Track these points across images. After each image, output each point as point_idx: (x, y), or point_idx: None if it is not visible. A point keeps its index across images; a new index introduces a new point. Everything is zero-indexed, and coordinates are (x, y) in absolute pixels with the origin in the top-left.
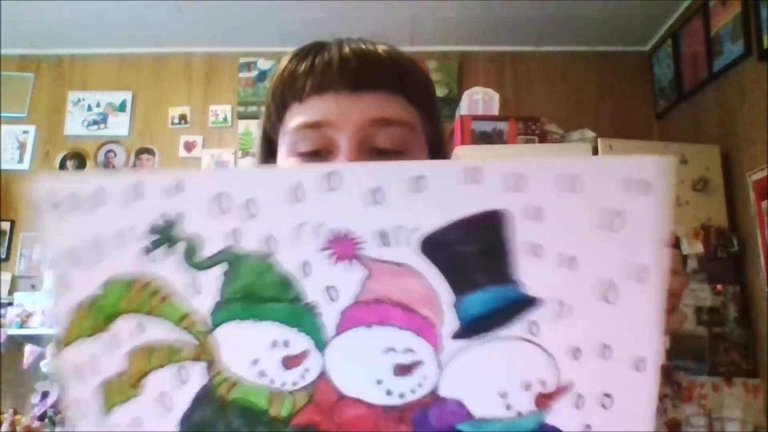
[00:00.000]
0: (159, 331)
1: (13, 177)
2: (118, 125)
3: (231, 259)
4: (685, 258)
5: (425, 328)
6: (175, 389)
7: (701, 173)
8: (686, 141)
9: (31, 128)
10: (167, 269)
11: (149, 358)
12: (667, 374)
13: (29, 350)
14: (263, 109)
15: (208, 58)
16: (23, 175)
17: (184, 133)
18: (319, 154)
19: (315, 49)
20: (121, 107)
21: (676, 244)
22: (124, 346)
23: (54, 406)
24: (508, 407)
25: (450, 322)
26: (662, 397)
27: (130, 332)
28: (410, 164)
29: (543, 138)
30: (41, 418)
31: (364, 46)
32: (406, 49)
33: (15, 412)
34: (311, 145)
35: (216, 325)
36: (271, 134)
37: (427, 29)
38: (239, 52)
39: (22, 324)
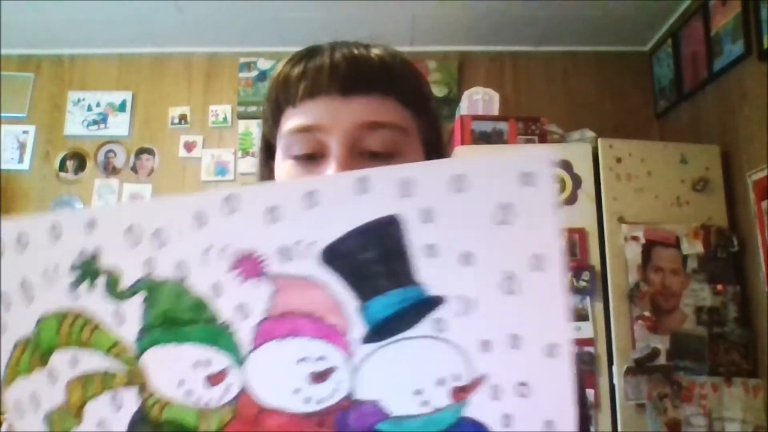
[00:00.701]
0: (92, 361)
1: (13, 177)
2: (118, 125)
3: (148, 287)
4: (685, 258)
5: (335, 336)
6: (113, 415)
7: (701, 173)
8: (686, 141)
9: (31, 128)
10: (92, 302)
11: (85, 388)
12: (667, 374)
13: None
14: (254, 109)
15: (208, 58)
16: (23, 175)
17: (184, 133)
18: (313, 157)
19: (308, 53)
20: (121, 107)
21: (676, 244)
22: (62, 379)
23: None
24: (425, 403)
25: (358, 328)
26: (662, 397)
27: (66, 365)
28: (301, 182)
29: (543, 138)
30: None
31: (356, 51)
32: (406, 49)
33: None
34: (304, 148)
35: (142, 351)
36: (269, 138)
37: (427, 29)
38: (239, 52)
39: None
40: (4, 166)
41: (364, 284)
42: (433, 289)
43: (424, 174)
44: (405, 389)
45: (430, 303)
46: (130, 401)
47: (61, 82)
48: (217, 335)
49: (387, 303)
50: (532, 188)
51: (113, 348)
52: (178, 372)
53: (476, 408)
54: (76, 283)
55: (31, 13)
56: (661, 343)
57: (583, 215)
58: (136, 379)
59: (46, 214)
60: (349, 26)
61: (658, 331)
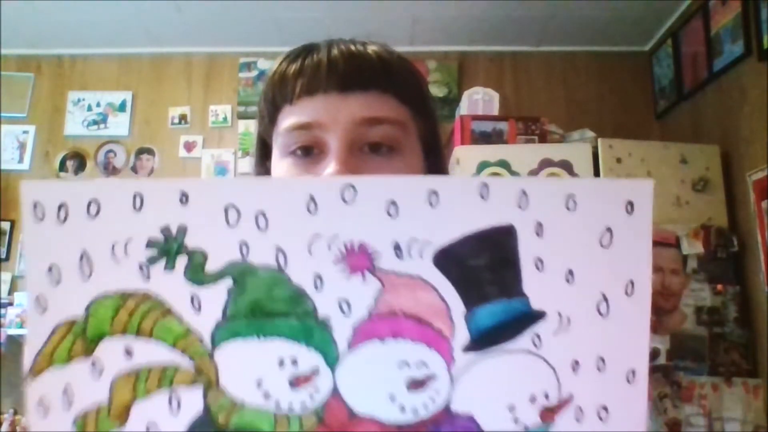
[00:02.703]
0: (151, 354)
1: (13, 177)
2: (118, 125)
3: (237, 273)
4: (685, 258)
5: (438, 341)
6: (167, 417)
7: (701, 173)
8: (686, 141)
9: (31, 128)
10: (164, 286)
11: (136, 384)
12: (667, 374)
13: None
14: (254, 109)
15: (208, 58)
16: (23, 175)
17: (184, 133)
18: (311, 153)
19: (305, 51)
20: (121, 107)
21: (676, 244)
22: (108, 373)
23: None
24: (516, 421)
25: (461, 335)
26: (662, 397)
27: (117, 356)
28: (424, 179)
29: (543, 138)
30: None
31: (353, 47)
32: (406, 49)
33: (15, 412)
34: (302, 144)
35: (217, 345)
36: (265, 137)
37: (427, 29)
38: (239, 52)
39: (22, 324)
40: (4, 166)
41: (472, 290)
42: (536, 303)
43: (541, 188)
44: (500, 404)
45: (533, 317)
46: (191, 402)
47: (61, 82)
48: (312, 331)
49: (493, 312)
50: (634, 216)
51: (181, 339)
52: (257, 370)
53: (560, 429)
54: (151, 262)
55: (31, 13)
56: (661, 343)
57: None
58: (203, 376)
59: (129, 181)
60: (349, 26)
61: (658, 331)
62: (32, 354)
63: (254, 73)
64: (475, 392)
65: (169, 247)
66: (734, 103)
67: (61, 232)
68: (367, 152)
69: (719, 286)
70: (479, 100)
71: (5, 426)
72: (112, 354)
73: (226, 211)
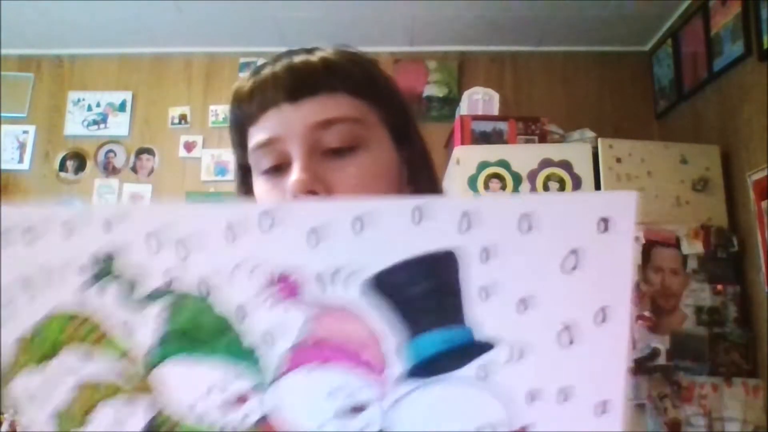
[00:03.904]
0: (95, 371)
1: (13, 177)
2: (118, 125)
3: (164, 300)
4: (685, 258)
5: (369, 372)
6: (123, 422)
7: (701, 173)
8: (686, 141)
9: (31, 128)
10: (100, 310)
11: (95, 391)
12: (667, 374)
13: None
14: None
15: (208, 58)
16: (23, 175)
17: (184, 133)
18: (280, 168)
19: (254, 72)
20: (121, 107)
21: (676, 244)
22: (73, 376)
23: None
24: None
25: (396, 365)
26: (662, 397)
27: (77, 362)
28: (349, 204)
29: (543, 138)
30: None
31: (296, 58)
32: (406, 49)
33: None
34: (270, 161)
35: (155, 364)
36: (243, 162)
37: (427, 29)
38: (239, 52)
39: None
40: (4, 166)
41: (409, 319)
42: (485, 332)
43: (491, 209)
44: None
45: (480, 347)
46: (141, 412)
47: (61, 82)
48: (239, 359)
49: (432, 341)
50: (610, 235)
51: (121, 359)
52: (191, 393)
53: None
54: (92, 282)
55: (31, 13)
56: (661, 343)
57: None
58: (144, 396)
59: (57, 207)
60: (349, 26)
61: (658, 331)
62: (9, 357)
63: None
64: (413, 422)
65: (100, 271)
66: (734, 103)
67: (5, 256)
68: (329, 156)
69: (719, 286)
70: (479, 100)
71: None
72: (74, 359)
73: (148, 238)
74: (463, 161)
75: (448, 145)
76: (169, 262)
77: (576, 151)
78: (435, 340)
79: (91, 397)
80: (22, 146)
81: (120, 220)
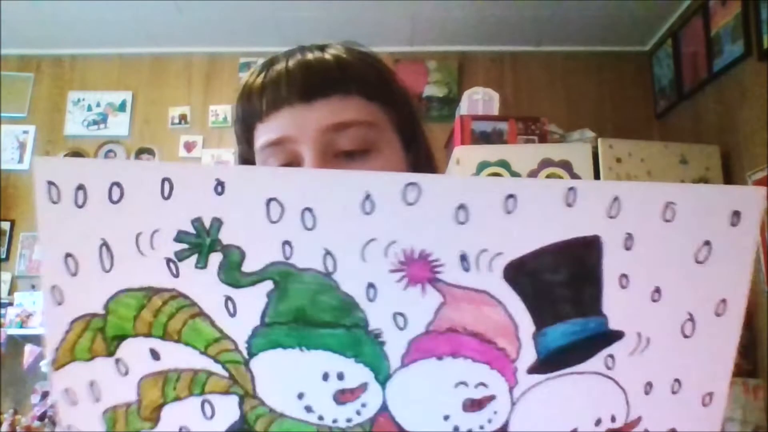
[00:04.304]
0: (179, 359)
1: (13, 177)
2: (118, 125)
3: (279, 276)
4: None
5: (501, 361)
6: (201, 422)
7: (701, 173)
8: (686, 141)
9: (31, 128)
10: (195, 285)
11: (164, 389)
12: None
13: (29, 350)
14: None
15: (208, 58)
16: (23, 175)
17: (184, 133)
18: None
19: (266, 66)
20: (121, 107)
21: None
22: (134, 374)
23: (54, 405)
24: None
25: (528, 355)
26: None
27: (141, 358)
28: (502, 181)
29: (543, 138)
30: (41, 418)
31: (310, 55)
32: (406, 49)
33: (15, 412)
34: (279, 161)
35: (254, 354)
36: (247, 157)
37: (427, 29)
38: (239, 52)
39: (22, 324)
40: (4, 166)
41: (545, 308)
42: (615, 323)
43: (637, 194)
44: (562, 427)
45: (609, 337)
46: (226, 410)
47: (61, 82)
48: (360, 345)
49: (565, 332)
50: (739, 228)
51: (213, 344)
52: (298, 383)
53: None
54: (181, 258)
55: (31, 13)
56: None
57: None
58: (236, 386)
59: (158, 164)
60: (349, 26)
61: None
62: (52, 347)
63: None
64: (536, 415)
65: (201, 242)
66: (734, 103)
67: (79, 218)
68: (342, 159)
69: None
70: (479, 100)
71: (5, 426)
72: (137, 355)
73: (268, 205)
74: (463, 161)
75: (448, 145)
76: (292, 232)
77: (576, 151)
78: (570, 330)
79: (159, 395)
80: (22, 146)
81: (238, 182)
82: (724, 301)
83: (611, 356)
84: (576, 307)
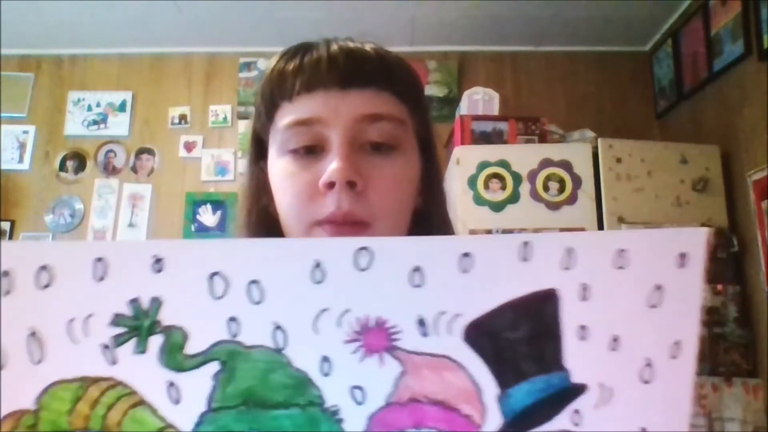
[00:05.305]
0: None
1: (13, 177)
2: (118, 125)
3: (225, 356)
4: None
5: (466, 428)
6: None
7: (701, 173)
8: (686, 141)
9: (31, 128)
10: (135, 371)
11: None
12: None
13: None
14: (253, 110)
15: (208, 58)
16: (23, 175)
17: (184, 133)
18: (312, 150)
19: (303, 48)
20: (121, 107)
21: None
22: None
23: None
24: None
25: (493, 419)
26: None
27: None
28: (455, 240)
29: (543, 138)
30: None
31: (352, 45)
32: (405, 49)
33: None
34: (303, 141)
35: None
36: (262, 134)
37: (427, 29)
38: (239, 52)
39: None
40: (4, 166)
41: (508, 368)
42: (577, 376)
43: (589, 244)
44: None
45: (573, 391)
46: None
47: (61, 82)
48: (318, 424)
49: (530, 390)
50: (686, 270)
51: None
52: None
53: None
54: (118, 343)
55: (31, 13)
56: None
57: (583, 215)
58: None
59: (89, 243)
60: (349, 26)
61: None
62: None
63: (254, 73)
64: None
65: (139, 325)
66: (734, 103)
67: (4, 307)
68: (368, 150)
69: (719, 286)
70: (479, 100)
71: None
72: None
73: (210, 279)
74: (463, 161)
75: (448, 145)
76: (238, 308)
77: (576, 151)
78: (534, 388)
79: None
80: (22, 146)
81: (177, 257)
82: (677, 343)
83: (577, 411)
84: (538, 363)
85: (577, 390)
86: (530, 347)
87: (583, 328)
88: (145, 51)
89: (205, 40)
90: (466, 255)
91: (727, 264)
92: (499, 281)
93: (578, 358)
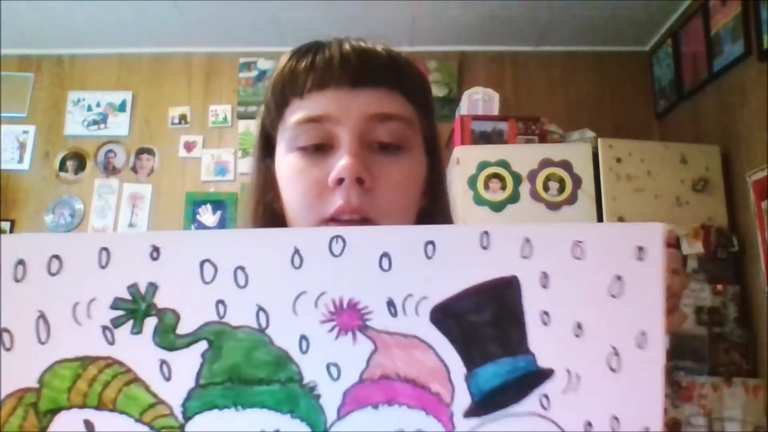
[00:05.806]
0: (113, 428)
1: (13, 177)
2: (118, 125)
3: (213, 335)
4: (685, 258)
5: (436, 406)
6: None
7: (701, 173)
8: (686, 141)
9: (31, 128)
10: (131, 351)
11: None
12: (667, 374)
13: None
14: (262, 106)
15: (208, 58)
16: (23, 175)
17: (184, 133)
18: (322, 147)
19: (315, 47)
20: (121, 107)
21: (676, 244)
22: None
23: None
24: None
25: (462, 399)
26: None
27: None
28: (420, 229)
29: (543, 138)
30: None
31: (364, 45)
32: (405, 49)
33: None
34: (312, 139)
35: (189, 417)
36: (271, 131)
37: (427, 29)
38: (239, 52)
39: None
40: (4, 166)
41: (473, 349)
42: (543, 360)
43: (546, 235)
44: None
45: (540, 376)
46: None
47: (61, 82)
48: (297, 399)
49: (497, 372)
50: (645, 263)
51: (149, 410)
52: None
53: None
54: (117, 324)
55: (31, 13)
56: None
57: (583, 215)
58: None
59: (95, 235)
60: (349, 26)
61: None
62: None
63: (254, 73)
64: None
65: (137, 308)
66: (734, 103)
67: (17, 292)
68: (376, 150)
69: (719, 286)
70: (479, 100)
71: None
72: (70, 429)
73: (201, 266)
74: (463, 161)
75: (448, 145)
76: (225, 291)
77: (576, 151)
78: (500, 370)
79: None
80: (22, 146)
81: (172, 246)
82: (643, 333)
83: (546, 396)
84: (503, 346)
85: (544, 374)
86: (495, 330)
87: (545, 313)
88: (145, 51)
89: (205, 40)
90: (429, 243)
91: (727, 264)
92: (461, 267)
93: (543, 343)
